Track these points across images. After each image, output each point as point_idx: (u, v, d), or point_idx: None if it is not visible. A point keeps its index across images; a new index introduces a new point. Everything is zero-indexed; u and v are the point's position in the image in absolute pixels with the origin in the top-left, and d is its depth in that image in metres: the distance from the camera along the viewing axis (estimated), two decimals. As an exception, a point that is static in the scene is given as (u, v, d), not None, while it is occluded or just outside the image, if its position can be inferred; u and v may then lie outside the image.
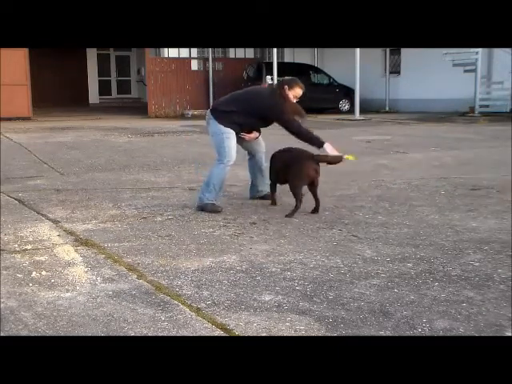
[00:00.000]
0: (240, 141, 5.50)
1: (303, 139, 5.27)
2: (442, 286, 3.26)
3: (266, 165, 5.58)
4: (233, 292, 3.19)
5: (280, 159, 5.32)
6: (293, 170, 5.10)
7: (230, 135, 5.33)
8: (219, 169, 5.34)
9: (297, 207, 5.00)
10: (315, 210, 5.09)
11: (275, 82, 19.38)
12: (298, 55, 22.18)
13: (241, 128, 5.41)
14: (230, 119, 5.34)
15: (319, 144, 5.19)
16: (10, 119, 16.43)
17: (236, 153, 5.35)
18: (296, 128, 5.25)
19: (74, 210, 5.24)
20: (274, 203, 5.44)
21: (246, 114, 5.33)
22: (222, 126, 5.33)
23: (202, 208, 5.25)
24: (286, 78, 5.68)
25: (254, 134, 5.52)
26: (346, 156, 5.33)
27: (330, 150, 5.15)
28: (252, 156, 5.68)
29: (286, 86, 5.30)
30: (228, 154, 5.32)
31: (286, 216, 4.96)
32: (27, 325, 2.76)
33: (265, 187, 5.69)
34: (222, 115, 5.39)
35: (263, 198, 5.68)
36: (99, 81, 28.13)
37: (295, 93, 5.33)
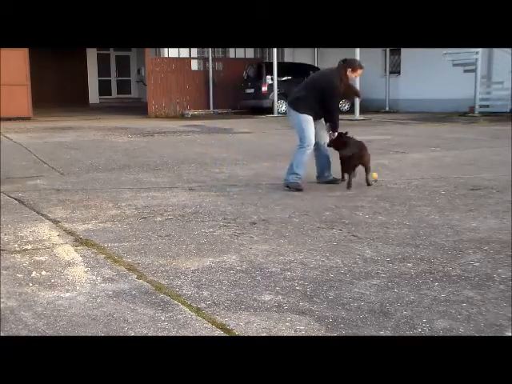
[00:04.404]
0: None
1: (329, 120, 6.20)
2: (442, 285, 3.26)
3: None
4: (233, 292, 3.19)
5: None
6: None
7: (307, 121, 6.06)
8: (300, 153, 6.10)
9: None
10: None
11: (275, 81, 19.50)
12: (298, 55, 22.19)
13: (314, 111, 6.08)
14: (302, 104, 6.09)
15: (334, 130, 6.17)
16: (10, 119, 16.45)
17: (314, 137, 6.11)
18: (333, 109, 6.13)
19: (74, 210, 5.24)
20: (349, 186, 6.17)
21: (311, 95, 6.05)
22: (298, 114, 6.10)
23: (288, 186, 6.06)
24: (349, 59, 6.21)
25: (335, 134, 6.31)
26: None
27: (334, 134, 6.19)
28: (317, 147, 6.27)
29: (350, 69, 5.98)
30: (307, 139, 6.07)
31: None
32: (27, 325, 2.76)
33: (331, 172, 6.45)
34: (295, 102, 6.21)
35: (330, 182, 6.41)
36: (99, 81, 28.15)
37: (357, 74, 6.07)
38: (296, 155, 6.14)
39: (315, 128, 6.18)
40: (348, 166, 6.25)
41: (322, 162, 6.44)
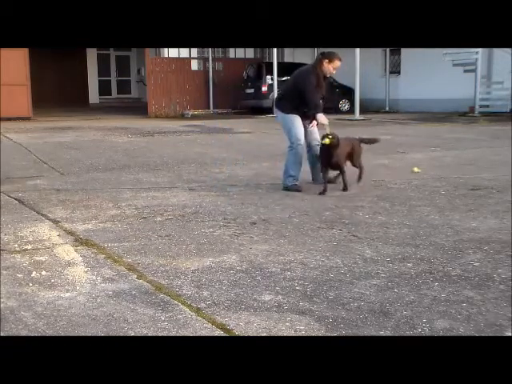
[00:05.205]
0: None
1: (308, 109, 5.96)
2: (442, 285, 3.26)
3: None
4: (233, 292, 3.19)
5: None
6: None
7: (293, 120, 6.01)
8: (292, 154, 6.05)
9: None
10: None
11: (275, 81, 19.50)
12: (298, 55, 22.18)
13: (298, 110, 5.99)
14: (285, 104, 6.06)
15: (315, 113, 5.93)
16: (10, 119, 16.45)
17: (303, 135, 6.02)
18: (311, 99, 5.86)
19: (74, 210, 5.24)
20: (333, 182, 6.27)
21: (291, 92, 6.03)
22: (284, 114, 6.08)
23: (287, 189, 6.01)
24: (327, 52, 6.02)
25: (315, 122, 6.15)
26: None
27: (322, 118, 5.92)
28: (309, 148, 6.24)
29: (327, 60, 5.89)
30: (295, 138, 5.99)
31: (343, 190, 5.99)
32: (27, 325, 2.76)
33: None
34: (279, 102, 6.24)
35: (328, 181, 6.20)
36: (99, 81, 28.15)
37: (335, 65, 5.93)
38: (289, 157, 6.08)
39: (305, 128, 6.10)
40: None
41: (315, 165, 6.35)
